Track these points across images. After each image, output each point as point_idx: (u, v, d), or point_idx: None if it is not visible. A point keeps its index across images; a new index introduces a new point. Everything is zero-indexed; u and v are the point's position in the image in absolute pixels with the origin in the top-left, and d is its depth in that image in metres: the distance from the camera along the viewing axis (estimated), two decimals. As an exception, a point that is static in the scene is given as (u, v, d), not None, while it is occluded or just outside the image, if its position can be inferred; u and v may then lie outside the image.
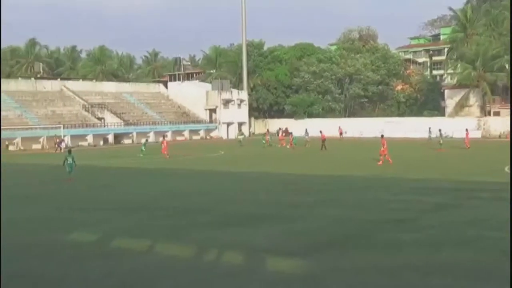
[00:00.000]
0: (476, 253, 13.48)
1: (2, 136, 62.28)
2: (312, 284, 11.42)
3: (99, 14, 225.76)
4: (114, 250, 14.67)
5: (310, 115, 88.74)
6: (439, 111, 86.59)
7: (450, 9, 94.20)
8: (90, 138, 72.04)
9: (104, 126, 76.28)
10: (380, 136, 40.85)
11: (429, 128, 65.06)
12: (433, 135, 62.24)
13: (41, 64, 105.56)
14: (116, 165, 42.10)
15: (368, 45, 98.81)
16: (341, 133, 76.92)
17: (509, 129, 65.18)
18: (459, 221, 17.48)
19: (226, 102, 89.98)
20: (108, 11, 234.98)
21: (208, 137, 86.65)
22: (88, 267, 12.97)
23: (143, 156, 48.86)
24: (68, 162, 31.93)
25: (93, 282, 11.91)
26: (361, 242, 15.01)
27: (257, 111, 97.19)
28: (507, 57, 73.56)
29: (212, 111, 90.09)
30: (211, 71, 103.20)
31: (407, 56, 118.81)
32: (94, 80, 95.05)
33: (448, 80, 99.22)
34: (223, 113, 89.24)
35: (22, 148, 65.16)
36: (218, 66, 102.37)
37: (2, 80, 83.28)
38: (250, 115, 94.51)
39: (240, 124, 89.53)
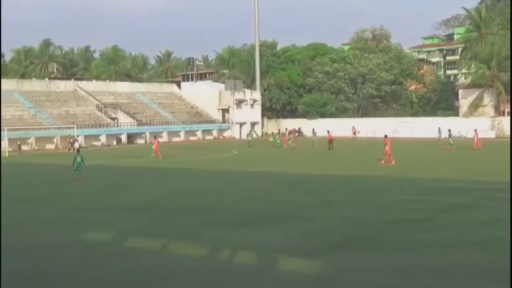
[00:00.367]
0: (492, 254, 13.34)
1: (16, 136, 62.75)
2: (327, 284, 11.36)
3: (113, 15, 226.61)
4: (128, 250, 14.67)
5: (323, 115, 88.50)
6: (453, 111, 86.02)
7: (464, 8, 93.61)
8: (103, 138, 72.27)
9: (117, 126, 76.50)
10: (384, 136, 40.70)
11: (439, 128, 64.49)
12: (442, 135, 61.67)
13: (55, 64, 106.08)
14: (129, 165, 42.19)
15: (381, 45, 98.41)
16: (354, 133, 76.70)
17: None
18: (475, 221, 17.33)
19: (239, 102, 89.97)
20: (122, 12, 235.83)
21: (221, 137, 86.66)
22: (102, 267, 12.98)
23: (154, 155, 48.98)
24: (77, 161, 32.24)
25: (107, 281, 11.90)
26: (376, 242, 14.91)
27: (270, 111, 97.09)
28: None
29: (225, 111, 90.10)
30: (224, 71, 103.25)
31: (421, 56, 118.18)
32: (107, 80, 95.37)
33: (462, 80, 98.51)
34: (236, 113, 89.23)
35: (36, 148, 65.47)
36: (231, 66, 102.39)
37: (17, 80, 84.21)
38: (263, 115, 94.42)
39: (253, 124, 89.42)
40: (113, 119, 77.90)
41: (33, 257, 13.98)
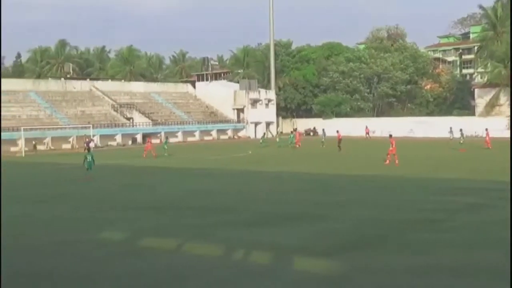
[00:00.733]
0: (509, 254, 13.20)
1: (33, 136, 63.31)
2: (341, 285, 11.30)
3: (128, 15, 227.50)
4: (143, 249, 14.67)
5: (338, 115, 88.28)
6: (469, 110, 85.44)
7: (480, 7, 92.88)
8: (119, 138, 72.59)
9: (133, 126, 76.80)
10: (389, 136, 40.54)
11: (450, 128, 64.11)
12: (454, 135, 61.26)
13: (71, 64, 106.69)
14: (143, 165, 42.27)
15: (396, 44, 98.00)
16: (367, 133, 76.42)
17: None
18: (492, 221, 17.18)
19: (254, 102, 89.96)
20: (138, 12, 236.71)
21: (235, 137, 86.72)
22: (117, 266, 13.01)
23: (168, 155, 49.14)
24: (88, 160, 32.74)
25: (122, 280, 11.92)
26: (393, 242, 14.83)
27: (285, 110, 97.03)
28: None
29: (240, 110, 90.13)
30: (239, 71, 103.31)
31: (437, 55, 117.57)
32: (122, 80, 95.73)
33: (478, 79, 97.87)
34: (251, 113, 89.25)
35: (52, 147, 65.90)
36: (246, 66, 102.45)
37: (33, 80, 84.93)
38: (277, 115, 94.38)
39: (268, 124, 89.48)
40: (128, 119, 78.19)
41: (48, 256, 14.05)
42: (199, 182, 30.28)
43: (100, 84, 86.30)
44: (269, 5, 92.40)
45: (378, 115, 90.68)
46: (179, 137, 78.34)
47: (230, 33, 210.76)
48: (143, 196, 25.13)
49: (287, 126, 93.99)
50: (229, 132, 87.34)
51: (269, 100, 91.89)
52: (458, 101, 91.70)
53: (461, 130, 55.16)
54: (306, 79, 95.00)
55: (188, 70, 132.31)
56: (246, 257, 13.57)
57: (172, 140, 72.25)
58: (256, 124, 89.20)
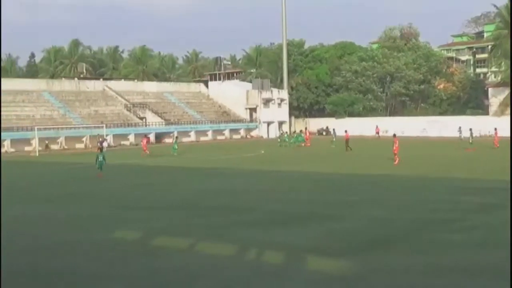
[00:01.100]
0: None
1: (46, 136, 63.71)
2: (355, 285, 11.27)
3: (141, 15, 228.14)
4: (156, 249, 14.71)
5: (351, 114, 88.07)
6: (483, 109, 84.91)
7: (494, 5, 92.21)
8: (132, 137, 72.79)
9: (146, 126, 77.01)
10: (393, 135, 40.50)
11: (460, 127, 63.84)
12: (463, 134, 61.04)
13: (84, 64, 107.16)
14: (156, 164, 42.37)
15: (409, 43, 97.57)
16: (377, 132, 76.23)
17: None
18: (506, 221, 17.04)
19: (267, 101, 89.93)
20: (151, 12, 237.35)
21: (248, 136, 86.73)
22: (131, 265, 13.04)
23: (177, 154, 49.22)
24: (99, 159, 33.65)
25: (135, 279, 11.95)
26: (406, 242, 14.78)
27: (298, 110, 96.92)
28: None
29: (253, 110, 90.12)
30: (252, 70, 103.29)
31: (450, 54, 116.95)
32: (135, 80, 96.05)
33: (492, 78, 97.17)
34: (264, 112, 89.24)
35: (65, 147, 66.23)
36: (259, 66, 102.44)
37: (47, 80, 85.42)
38: (290, 114, 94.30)
39: (281, 123, 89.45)
40: (141, 118, 78.44)
41: (62, 255, 14.12)
42: (211, 182, 30.28)
43: (113, 84, 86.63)
44: (281, 5, 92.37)
45: (391, 115, 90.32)
46: (192, 137, 78.45)
47: (243, 33, 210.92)
48: (156, 195, 25.19)
49: (299, 125, 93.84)
50: (242, 132, 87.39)
51: (282, 100, 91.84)
52: (472, 100, 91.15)
53: (470, 129, 55.00)
54: (319, 79, 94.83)
55: (201, 69, 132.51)
56: (259, 257, 13.57)
57: (185, 139, 72.47)
58: (269, 123, 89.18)
